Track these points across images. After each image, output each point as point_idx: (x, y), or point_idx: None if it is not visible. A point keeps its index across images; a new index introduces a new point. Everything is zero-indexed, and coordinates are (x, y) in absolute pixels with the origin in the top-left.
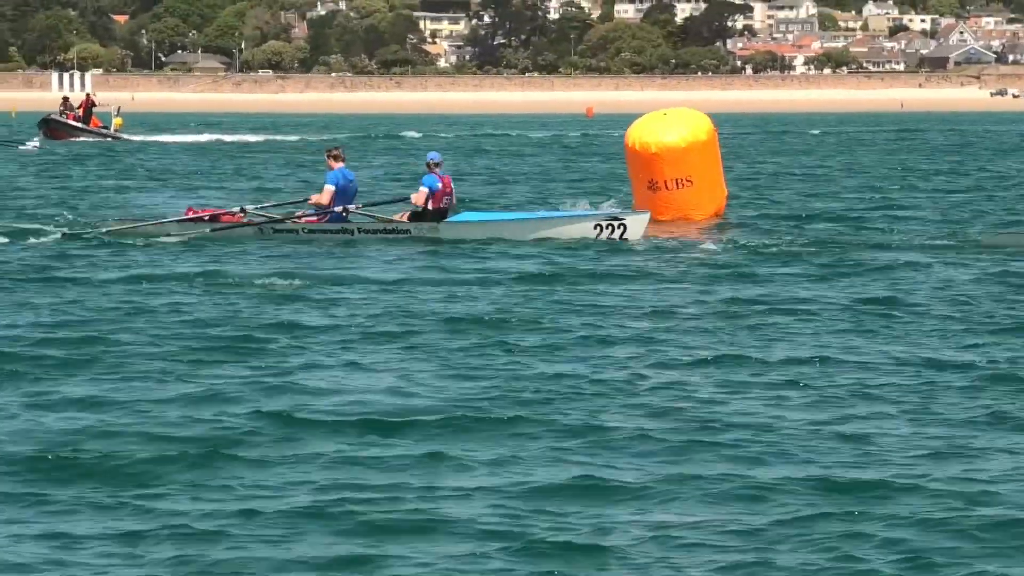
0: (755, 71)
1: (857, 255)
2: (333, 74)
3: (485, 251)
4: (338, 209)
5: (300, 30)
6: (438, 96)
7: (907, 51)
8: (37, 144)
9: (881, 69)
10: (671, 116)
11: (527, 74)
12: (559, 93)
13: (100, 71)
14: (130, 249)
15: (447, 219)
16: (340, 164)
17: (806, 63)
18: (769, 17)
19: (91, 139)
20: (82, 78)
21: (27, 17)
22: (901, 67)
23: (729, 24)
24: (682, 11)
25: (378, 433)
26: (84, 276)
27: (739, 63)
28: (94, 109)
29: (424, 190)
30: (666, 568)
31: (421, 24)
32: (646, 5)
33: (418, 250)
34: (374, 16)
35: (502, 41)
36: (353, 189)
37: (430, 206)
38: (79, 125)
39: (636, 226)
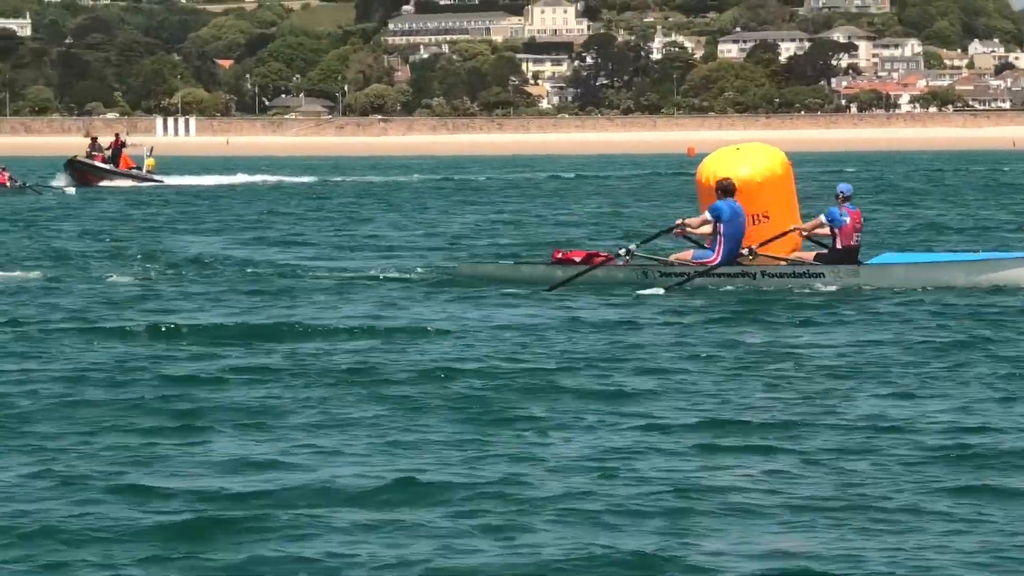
0: (860, 109)
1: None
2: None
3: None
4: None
5: (403, 73)
6: (540, 138)
7: (1013, 89)
8: (66, 187)
9: (987, 107)
10: (744, 151)
11: (629, 115)
12: (661, 133)
13: (204, 116)
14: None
15: (867, 261)
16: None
17: (911, 101)
18: (874, 56)
19: (120, 182)
20: (186, 122)
21: (132, 62)
22: (1007, 105)
23: (833, 63)
24: (786, 50)
25: None
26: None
27: (843, 102)
28: (123, 149)
29: (822, 221)
30: None
31: (523, 66)
32: (749, 44)
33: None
34: (477, 59)
35: (604, 82)
36: (741, 224)
37: (838, 244)
38: (107, 167)
39: None
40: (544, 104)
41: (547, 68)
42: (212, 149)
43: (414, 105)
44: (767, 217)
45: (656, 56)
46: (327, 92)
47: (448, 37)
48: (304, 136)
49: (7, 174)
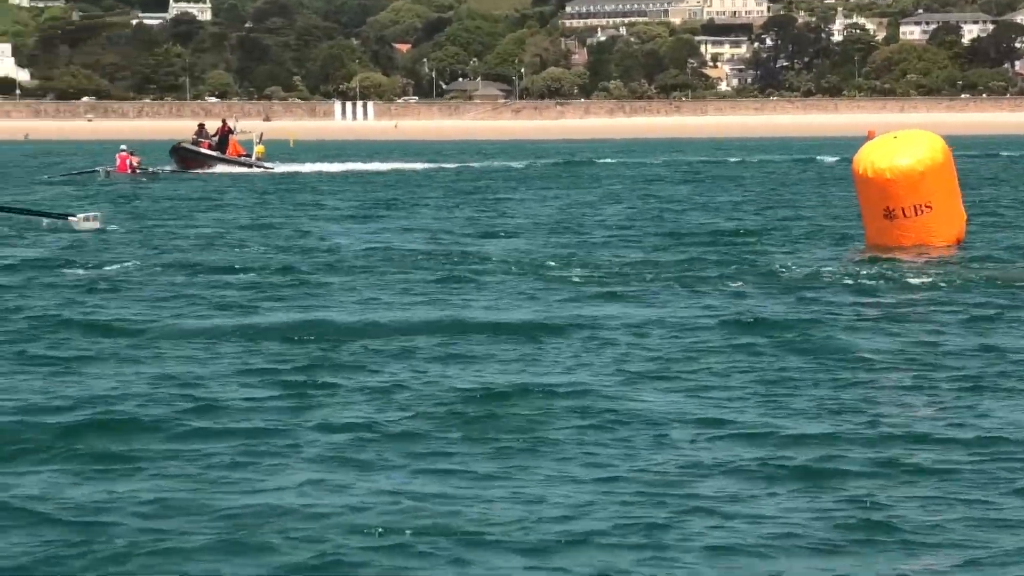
0: None
1: None
2: (610, 99)
3: None
4: None
5: (580, 56)
6: (717, 120)
7: None
8: (107, 169)
9: None
10: (903, 139)
11: (810, 97)
12: (842, 116)
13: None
14: None
15: None
16: None
17: None
18: None
19: (226, 168)
20: (364, 107)
21: (311, 47)
22: None
23: (1017, 45)
24: (969, 32)
25: None
26: None
27: None
28: (232, 136)
29: None
30: None
31: (702, 48)
32: (932, 27)
33: None
34: (654, 41)
35: (784, 64)
36: None
37: None
38: (212, 153)
39: None
40: (723, 87)
41: (726, 50)
42: (383, 133)
43: (591, 88)
44: (930, 207)
45: (837, 38)
46: (504, 76)
47: (626, 19)
48: (481, 120)
49: (135, 159)
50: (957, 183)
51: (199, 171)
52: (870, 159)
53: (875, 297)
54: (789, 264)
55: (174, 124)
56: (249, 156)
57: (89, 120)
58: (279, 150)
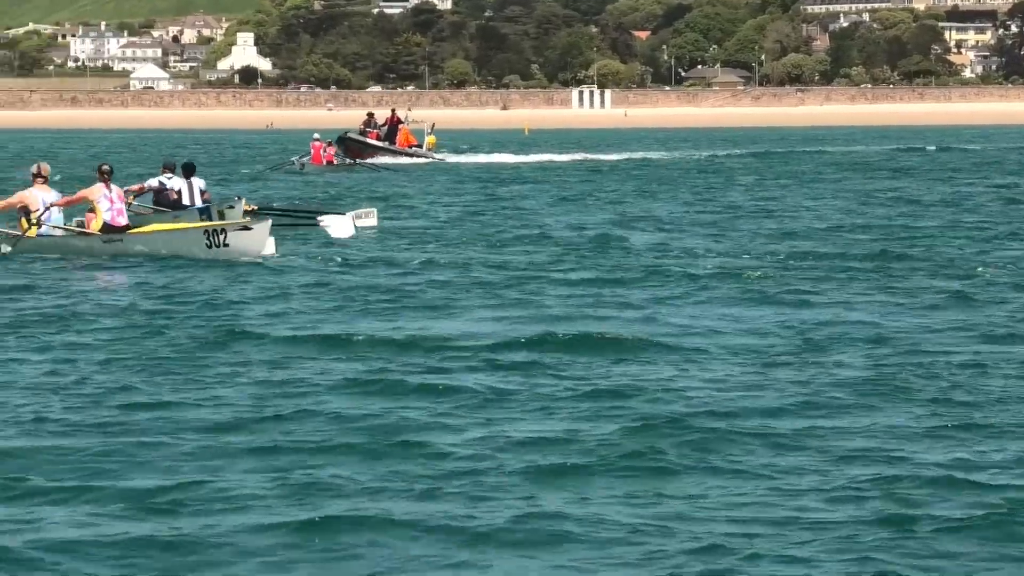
0: None
1: None
2: (851, 86)
3: None
4: None
5: (821, 42)
6: (961, 107)
7: None
8: (301, 160)
9: None
10: None
11: None
12: None
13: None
14: None
15: None
16: None
17: None
18: None
19: (391, 159)
20: (601, 94)
21: (550, 35)
22: None
23: None
24: None
25: None
26: None
27: None
28: (403, 126)
29: None
30: None
31: (946, 34)
32: None
33: None
34: (898, 27)
35: None
36: None
37: None
38: (379, 144)
39: None
40: (967, 73)
41: (970, 36)
42: (612, 121)
43: (832, 75)
44: None
45: None
46: (744, 62)
47: (868, 5)
48: (720, 107)
49: (331, 149)
50: None
51: (365, 161)
52: None
53: None
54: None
55: (414, 113)
56: (420, 146)
57: (329, 109)
58: (514, 137)
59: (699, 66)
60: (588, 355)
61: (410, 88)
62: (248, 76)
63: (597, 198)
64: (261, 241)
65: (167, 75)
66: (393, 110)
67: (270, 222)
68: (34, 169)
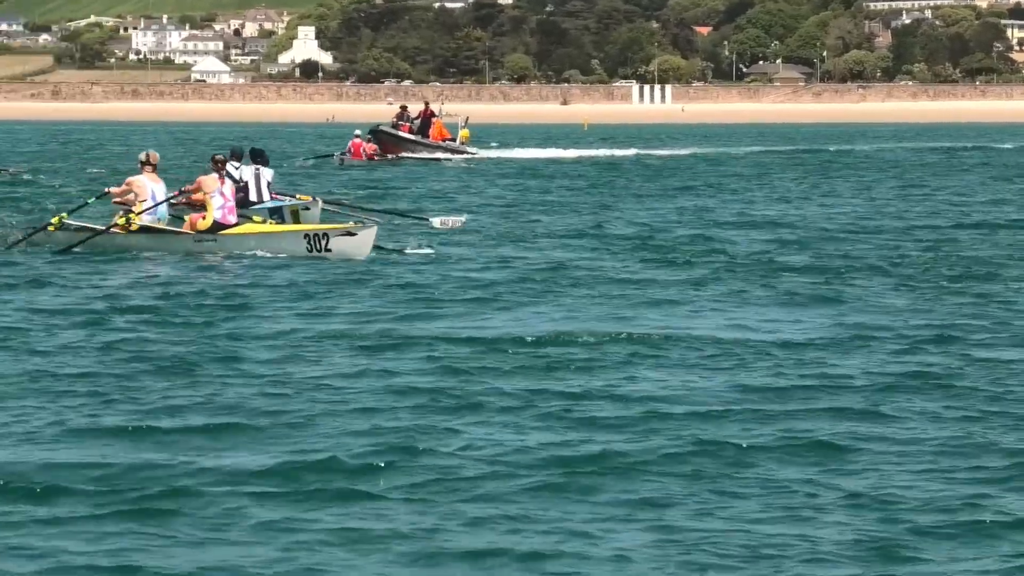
0: None
1: None
2: (913, 83)
3: None
4: None
5: (883, 39)
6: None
7: None
8: (341, 156)
9: None
10: None
11: None
12: None
13: (680, 83)
14: None
15: None
16: None
17: None
18: None
19: (425, 153)
20: (662, 90)
21: (610, 30)
22: None
23: None
24: None
25: None
26: None
27: None
28: (436, 119)
29: None
30: None
31: (1008, 32)
32: None
33: None
34: (960, 24)
35: None
36: None
37: None
38: (412, 137)
39: None
40: None
41: None
42: (668, 117)
43: (894, 71)
44: None
45: None
46: (805, 58)
47: (931, 2)
48: (781, 103)
49: (370, 147)
50: None
51: (397, 156)
52: None
53: None
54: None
55: (474, 107)
56: (453, 140)
57: (390, 103)
58: (576, 132)
59: (760, 62)
60: (617, 356)
61: (468, 83)
62: (309, 70)
63: (624, 192)
64: (365, 247)
65: (228, 68)
66: (427, 103)
67: (376, 229)
68: (143, 156)
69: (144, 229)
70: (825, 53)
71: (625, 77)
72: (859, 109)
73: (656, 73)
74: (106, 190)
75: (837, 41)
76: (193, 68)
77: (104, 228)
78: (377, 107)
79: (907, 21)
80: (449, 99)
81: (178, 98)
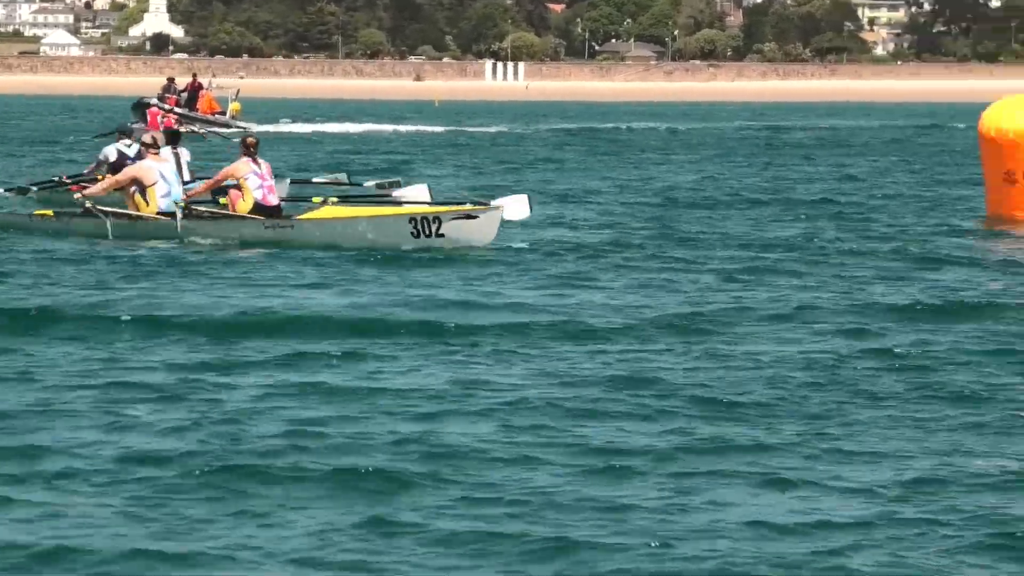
0: None
1: None
2: (763, 62)
3: None
4: None
5: (735, 18)
6: (873, 85)
7: None
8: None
9: None
10: None
11: (966, 63)
12: (999, 82)
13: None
14: None
15: None
16: None
17: None
18: None
19: (192, 127)
20: (515, 67)
21: (464, 6)
22: None
23: None
24: None
25: None
26: None
27: None
28: (205, 91)
29: None
30: None
31: (859, 11)
32: None
33: None
34: (811, 3)
35: (942, 28)
36: None
37: None
38: (179, 110)
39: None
40: (879, 51)
41: (883, 14)
42: (513, 94)
43: (745, 51)
44: None
45: (995, 3)
46: (657, 37)
47: None
48: (632, 82)
49: (173, 117)
50: None
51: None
52: (995, 119)
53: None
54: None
55: (326, 83)
56: (223, 114)
57: (241, 78)
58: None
59: (613, 40)
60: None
61: (322, 58)
62: (160, 43)
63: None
64: (489, 232)
65: (78, 41)
66: (194, 75)
67: (502, 210)
68: (147, 139)
69: (190, 213)
70: (677, 32)
71: (478, 54)
72: (709, 88)
73: (509, 50)
74: (59, 177)
75: (689, 20)
76: (43, 41)
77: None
78: (230, 81)
79: (759, 0)
80: (302, 74)
81: (27, 71)
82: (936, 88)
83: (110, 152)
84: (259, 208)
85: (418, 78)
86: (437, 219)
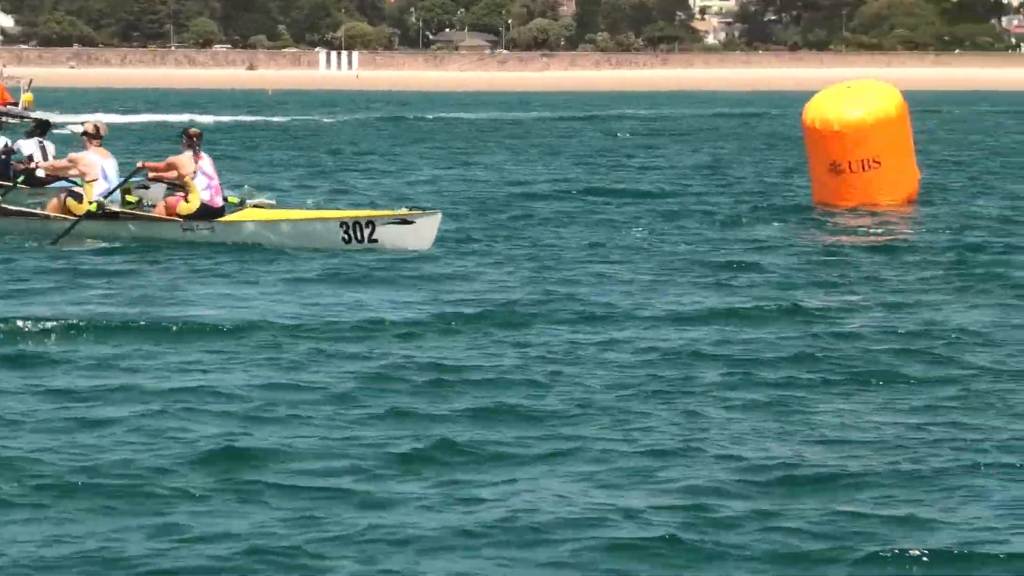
0: None
1: None
2: (596, 52)
3: None
4: None
5: (568, 7)
6: (704, 73)
7: None
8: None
9: None
10: (856, 89)
11: (796, 51)
12: (829, 70)
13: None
14: None
15: None
16: None
17: None
18: None
19: None
20: (349, 57)
21: None
22: None
23: (1005, 1)
24: None
25: None
26: None
27: (1013, 40)
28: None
29: None
30: None
31: (690, 1)
32: None
33: None
34: None
35: (772, 17)
36: None
37: None
38: None
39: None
40: (710, 39)
41: (714, 3)
42: (345, 84)
43: (578, 40)
44: (878, 163)
45: None
46: (491, 26)
47: None
48: (466, 71)
49: None
50: (911, 139)
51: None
52: (818, 110)
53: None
54: (722, 227)
55: (158, 72)
56: (16, 104)
57: (72, 68)
58: (261, 98)
59: (447, 30)
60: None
61: (153, 47)
62: None
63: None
64: (427, 238)
65: None
66: None
67: (440, 215)
68: (89, 128)
69: (110, 214)
70: (510, 21)
71: (312, 43)
72: (543, 78)
73: (343, 39)
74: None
75: (522, 9)
76: None
77: (43, 213)
78: (58, 71)
79: None
80: (134, 64)
81: None
82: (767, 76)
83: (29, 147)
84: (205, 211)
85: (251, 67)
86: (370, 223)
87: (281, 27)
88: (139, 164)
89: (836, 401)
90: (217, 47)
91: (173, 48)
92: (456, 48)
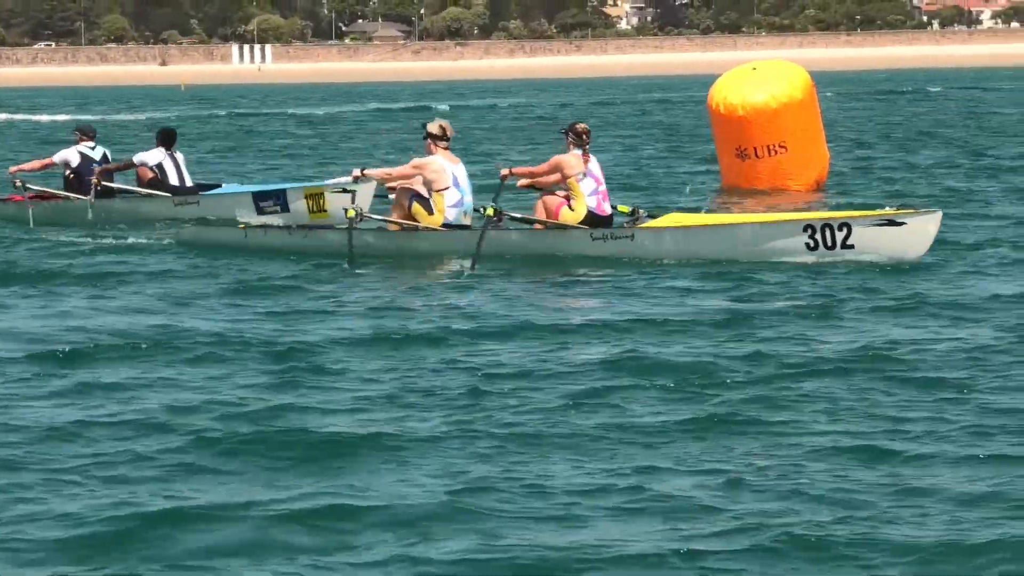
0: (941, 26)
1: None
2: (509, 40)
3: None
4: None
5: None
6: (617, 59)
7: None
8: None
9: None
10: (761, 71)
11: (709, 34)
12: (742, 52)
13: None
14: None
15: None
16: None
17: (993, 17)
18: None
19: None
20: (262, 50)
21: None
22: None
23: None
24: None
25: None
26: None
27: (924, 18)
28: None
29: None
30: None
31: None
32: None
33: None
34: None
35: (684, 1)
36: None
37: None
38: None
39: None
40: (623, 25)
41: None
42: (251, 77)
43: (491, 28)
44: (784, 148)
45: None
46: (404, 16)
47: None
48: (381, 62)
49: None
50: (820, 121)
51: None
52: (723, 94)
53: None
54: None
55: (70, 70)
56: None
57: None
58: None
59: (360, 20)
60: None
61: (64, 45)
62: None
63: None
64: (923, 242)
65: None
66: None
67: (940, 214)
68: (435, 129)
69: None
70: (423, 11)
71: (225, 37)
72: (457, 67)
73: (256, 33)
74: (360, 172)
75: None
76: None
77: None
78: None
79: None
80: (45, 62)
81: None
82: (679, 60)
83: (71, 154)
84: (592, 218)
85: (163, 63)
86: (845, 225)
87: (193, 21)
88: (504, 172)
89: (780, 407)
90: (130, 44)
91: (84, 45)
92: (369, 39)
